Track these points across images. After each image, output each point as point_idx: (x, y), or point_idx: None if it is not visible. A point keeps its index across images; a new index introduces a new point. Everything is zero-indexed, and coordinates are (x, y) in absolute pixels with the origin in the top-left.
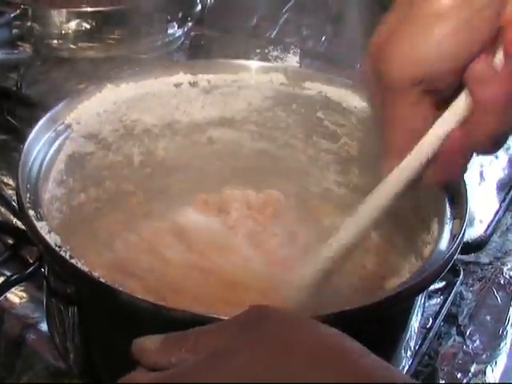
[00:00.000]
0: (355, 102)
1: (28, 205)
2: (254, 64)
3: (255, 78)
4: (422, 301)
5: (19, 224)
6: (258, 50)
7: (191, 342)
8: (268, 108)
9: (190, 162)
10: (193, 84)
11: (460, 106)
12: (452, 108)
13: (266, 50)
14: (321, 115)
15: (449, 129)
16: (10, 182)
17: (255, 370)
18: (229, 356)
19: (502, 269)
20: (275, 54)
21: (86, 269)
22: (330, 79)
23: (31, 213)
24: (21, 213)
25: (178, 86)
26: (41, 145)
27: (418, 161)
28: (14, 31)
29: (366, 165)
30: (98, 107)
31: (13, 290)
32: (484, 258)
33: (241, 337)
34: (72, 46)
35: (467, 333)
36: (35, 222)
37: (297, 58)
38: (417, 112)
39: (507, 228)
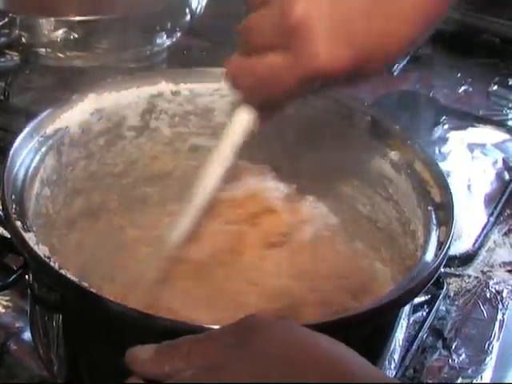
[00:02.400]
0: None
1: (14, 216)
2: None
3: None
4: (407, 311)
5: (3, 232)
6: None
7: (185, 351)
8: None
9: (172, 171)
10: (174, 93)
11: None
12: None
13: None
14: (305, 124)
15: None
16: None
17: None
18: (223, 368)
19: (488, 283)
20: None
21: (75, 279)
22: None
23: (18, 224)
24: (8, 224)
25: (159, 95)
26: (24, 155)
27: None
28: (2, 39)
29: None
30: (80, 116)
31: None
32: (471, 271)
33: (235, 348)
34: (60, 54)
35: (453, 346)
36: (23, 233)
37: None
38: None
39: (495, 242)
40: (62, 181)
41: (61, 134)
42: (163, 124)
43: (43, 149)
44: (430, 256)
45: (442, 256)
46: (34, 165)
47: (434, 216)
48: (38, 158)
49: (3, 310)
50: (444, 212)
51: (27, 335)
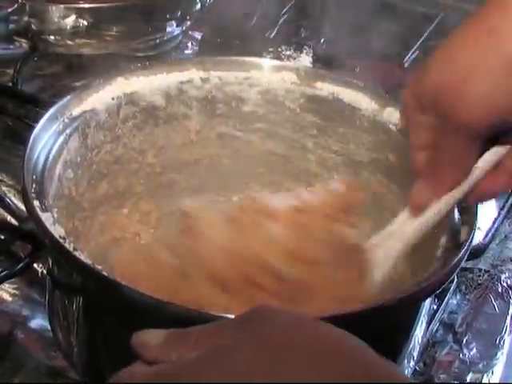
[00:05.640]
0: (366, 104)
1: (33, 195)
2: (266, 62)
3: (267, 76)
4: (427, 309)
5: (12, 220)
6: (271, 49)
7: (193, 340)
8: (278, 107)
9: (200, 158)
10: (204, 80)
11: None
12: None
13: (279, 49)
14: (331, 116)
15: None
16: (5, 178)
17: (252, 369)
18: (226, 354)
19: (500, 277)
20: (288, 53)
21: (89, 261)
22: (342, 80)
23: (36, 203)
24: (26, 203)
25: (189, 81)
26: (47, 137)
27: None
28: (11, 26)
29: (375, 168)
30: (107, 100)
31: (6, 287)
32: (482, 265)
33: (240, 335)
34: (69, 42)
35: (464, 341)
36: (40, 213)
37: (309, 58)
38: (474, 151)
39: (505, 236)
40: (86, 163)
41: (87, 117)
42: (191, 111)
43: (68, 130)
44: (449, 254)
45: (461, 254)
46: (57, 146)
47: (456, 215)
48: (61, 139)
49: (10, 298)
50: (467, 211)
51: (34, 323)
